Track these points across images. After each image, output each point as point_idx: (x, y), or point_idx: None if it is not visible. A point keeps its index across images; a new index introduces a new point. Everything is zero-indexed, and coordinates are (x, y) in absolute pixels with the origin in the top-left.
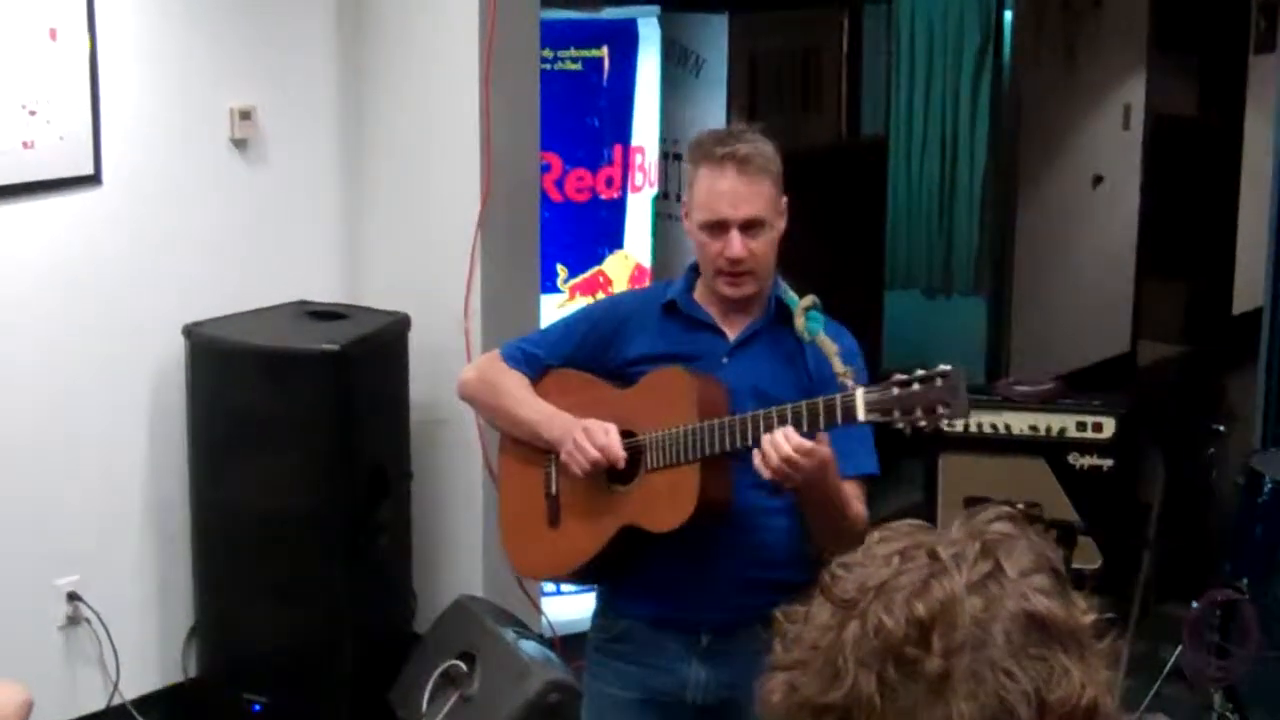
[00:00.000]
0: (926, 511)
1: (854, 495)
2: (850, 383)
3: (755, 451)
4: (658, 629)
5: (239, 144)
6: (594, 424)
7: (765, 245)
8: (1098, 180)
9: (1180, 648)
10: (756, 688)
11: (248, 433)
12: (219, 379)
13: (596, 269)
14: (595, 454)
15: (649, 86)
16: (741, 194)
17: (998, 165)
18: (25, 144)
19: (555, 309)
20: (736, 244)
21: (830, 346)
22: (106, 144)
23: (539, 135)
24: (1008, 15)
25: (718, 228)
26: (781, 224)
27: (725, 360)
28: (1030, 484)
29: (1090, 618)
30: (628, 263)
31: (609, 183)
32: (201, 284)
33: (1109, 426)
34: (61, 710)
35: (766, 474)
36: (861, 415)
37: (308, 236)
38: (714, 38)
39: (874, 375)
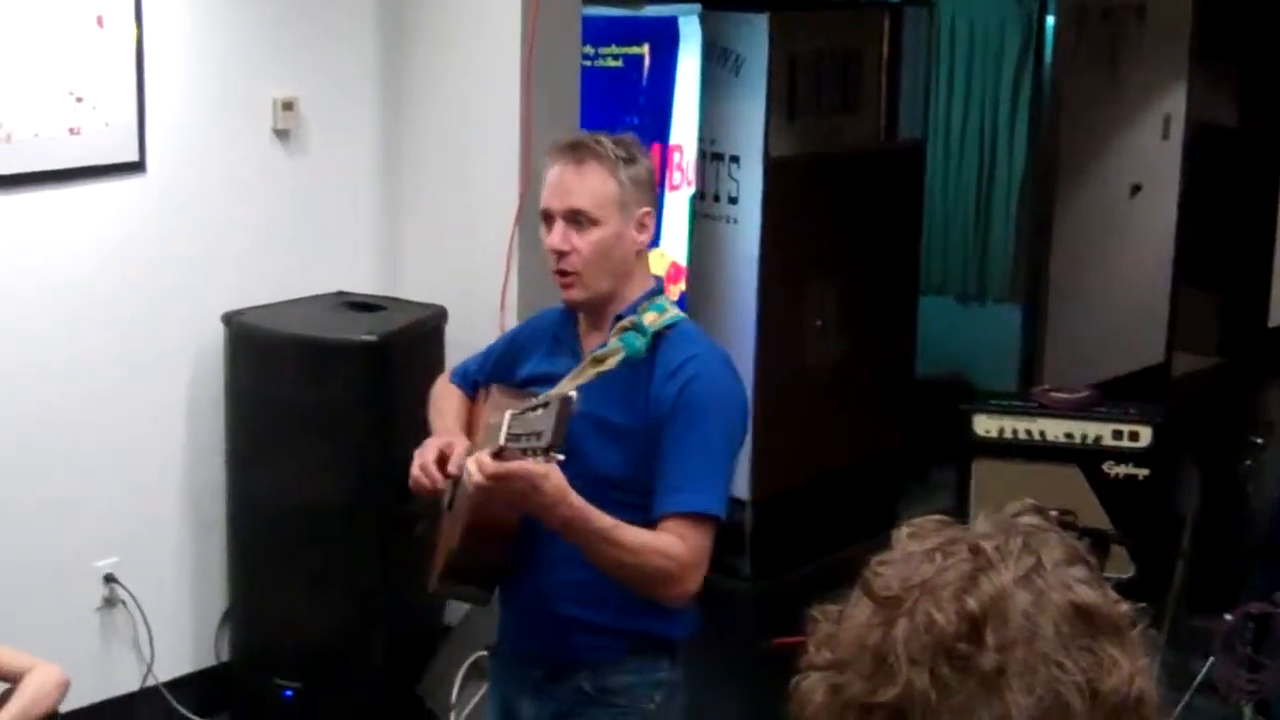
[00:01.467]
0: (959, 519)
1: (671, 532)
2: (543, 402)
3: None
4: (505, 656)
5: (281, 134)
6: (432, 443)
7: (592, 245)
8: (1136, 189)
9: (1212, 659)
10: (793, 686)
11: (285, 421)
12: (258, 368)
13: None
14: (415, 472)
15: (689, 85)
16: (569, 184)
17: (1036, 172)
18: (72, 130)
19: None
20: (557, 233)
21: (594, 369)
22: (151, 131)
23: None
24: (1049, 21)
25: (546, 219)
26: (634, 233)
27: None
28: (1064, 492)
29: (1125, 606)
30: (664, 261)
31: None
32: (242, 273)
33: (1145, 435)
34: (96, 691)
35: (472, 496)
36: (502, 438)
37: (347, 228)
38: (754, 37)
39: (899, 383)
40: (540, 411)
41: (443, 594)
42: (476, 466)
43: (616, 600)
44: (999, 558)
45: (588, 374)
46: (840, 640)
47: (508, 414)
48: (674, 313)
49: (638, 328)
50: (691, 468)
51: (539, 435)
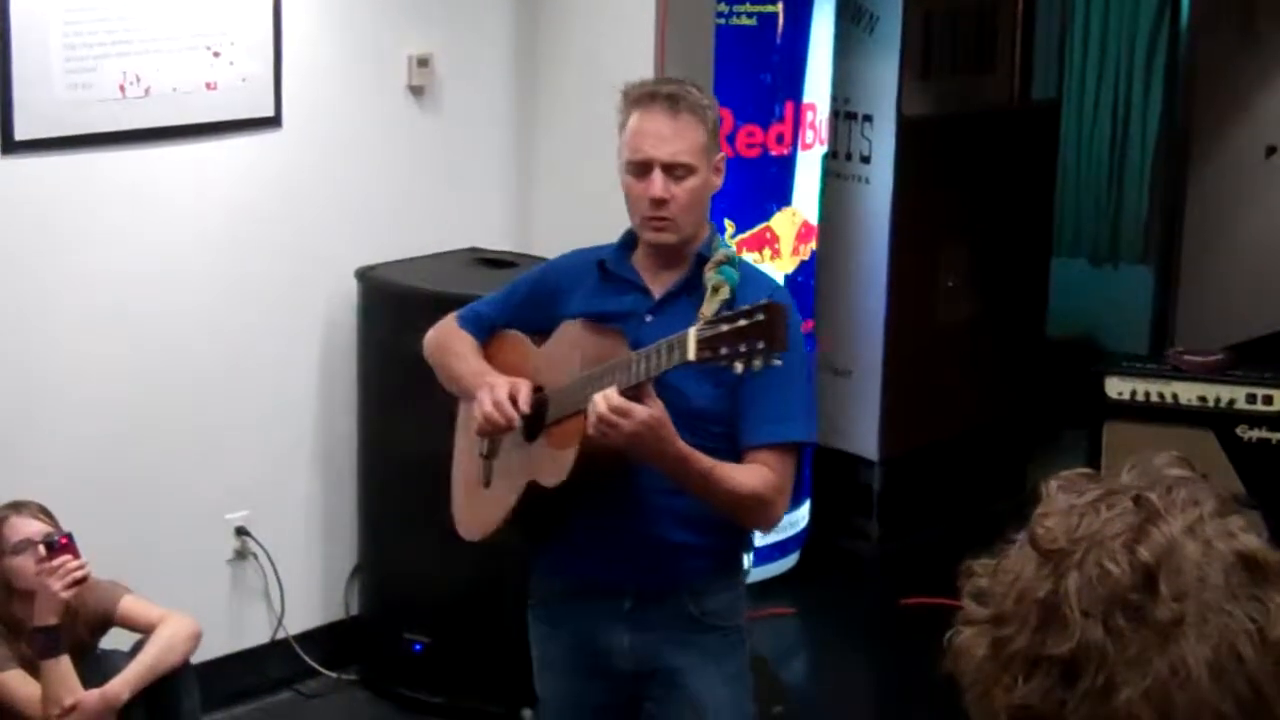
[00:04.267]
0: None
1: (761, 462)
2: (703, 324)
3: None
4: (583, 593)
5: (415, 91)
6: (500, 382)
7: (689, 193)
8: (1271, 150)
9: None
10: (948, 641)
11: (416, 376)
12: (390, 322)
13: (764, 225)
14: (488, 409)
15: (823, 43)
16: (667, 134)
17: (1170, 133)
18: (209, 85)
19: None
20: (659, 184)
21: (718, 297)
22: (287, 87)
23: (712, 90)
24: None
25: (642, 168)
26: (715, 179)
27: (649, 318)
28: (1197, 455)
29: None
30: (795, 220)
31: (779, 139)
32: (375, 228)
33: None
34: (227, 642)
35: (597, 437)
36: (692, 355)
37: (480, 185)
38: None
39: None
40: (731, 325)
41: (492, 541)
42: (604, 399)
43: (713, 522)
44: (1165, 508)
45: (715, 301)
46: (1001, 594)
47: (691, 330)
48: (732, 247)
49: (730, 261)
50: (778, 399)
51: (750, 343)
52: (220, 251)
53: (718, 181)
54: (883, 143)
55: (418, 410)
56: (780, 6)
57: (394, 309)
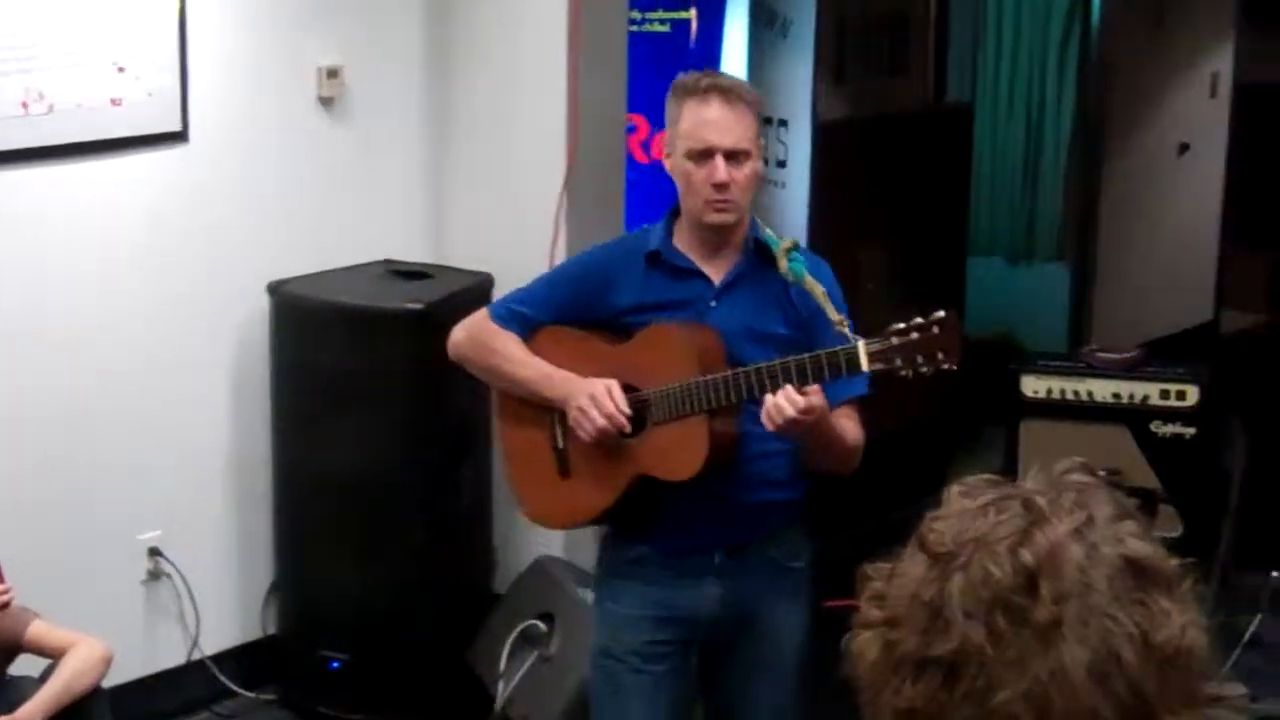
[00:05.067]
0: (1009, 479)
1: (849, 420)
2: (848, 332)
3: (762, 410)
4: (673, 556)
5: (325, 102)
6: (599, 389)
7: (746, 177)
8: (1184, 148)
9: (1260, 617)
10: (845, 644)
11: (331, 391)
12: (303, 337)
13: None
14: (602, 423)
15: (736, 49)
16: (727, 123)
17: (1083, 132)
18: (114, 101)
19: None
20: (722, 169)
21: (818, 289)
22: (194, 101)
23: (626, 97)
24: None
25: (704, 155)
26: (760, 164)
27: (713, 304)
28: (1112, 451)
29: (1175, 561)
30: None
31: None
32: (287, 242)
33: (1192, 395)
34: (142, 665)
35: (771, 429)
36: (864, 366)
37: (393, 196)
38: (802, 0)
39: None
40: (903, 338)
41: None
42: (791, 402)
43: (792, 475)
44: (1052, 512)
45: (819, 293)
46: (893, 597)
47: (862, 344)
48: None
49: (797, 247)
50: None
51: (924, 354)
52: (129, 268)
53: (762, 165)
54: (798, 147)
55: (332, 425)
56: (693, 12)
57: (306, 323)
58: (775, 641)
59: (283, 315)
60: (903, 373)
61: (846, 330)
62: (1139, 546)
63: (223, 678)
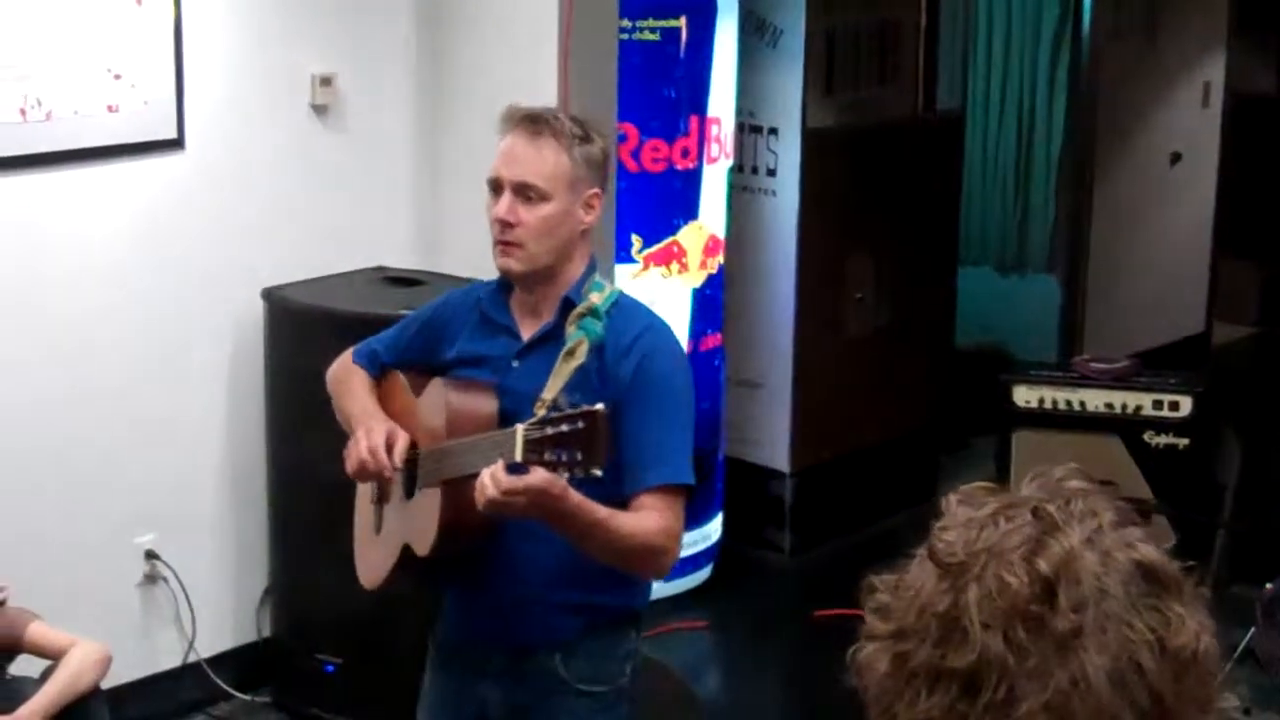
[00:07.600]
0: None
1: (649, 508)
2: (544, 412)
3: None
4: (457, 646)
5: (319, 110)
6: (379, 426)
7: (540, 220)
8: (1176, 158)
9: (1253, 629)
10: (850, 657)
11: (324, 396)
12: (297, 343)
13: (671, 239)
14: (363, 454)
15: (726, 57)
16: (524, 156)
17: (1075, 142)
18: (110, 108)
19: (629, 279)
20: (504, 203)
21: (571, 364)
22: (190, 109)
23: (616, 105)
24: None
25: (493, 188)
26: (583, 215)
27: (515, 363)
28: (1105, 461)
29: (1179, 564)
30: (702, 233)
31: (685, 153)
32: (281, 249)
33: (1186, 405)
34: (138, 667)
35: (480, 509)
36: (519, 456)
37: (386, 203)
38: (791, 9)
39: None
40: (555, 429)
41: (385, 589)
42: (493, 481)
43: (588, 576)
44: (1063, 519)
45: (565, 372)
46: (900, 609)
47: (519, 429)
48: (611, 287)
49: (593, 312)
50: (659, 442)
51: (570, 452)
52: (125, 274)
53: (587, 218)
54: (788, 155)
55: (326, 430)
56: (683, 21)
57: (301, 329)
58: None
59: (277, 321)
60: (558, 470)
61: (543, 410)
62: (1149, 551)
63: (218, 680)
